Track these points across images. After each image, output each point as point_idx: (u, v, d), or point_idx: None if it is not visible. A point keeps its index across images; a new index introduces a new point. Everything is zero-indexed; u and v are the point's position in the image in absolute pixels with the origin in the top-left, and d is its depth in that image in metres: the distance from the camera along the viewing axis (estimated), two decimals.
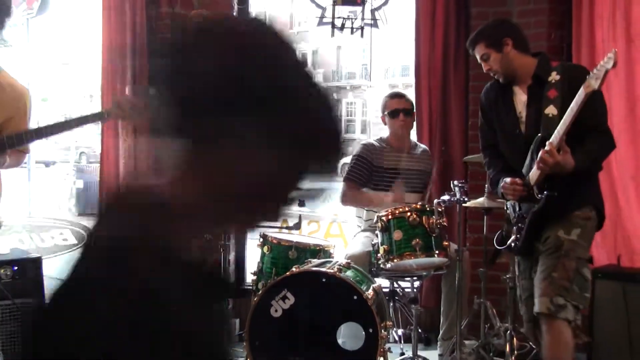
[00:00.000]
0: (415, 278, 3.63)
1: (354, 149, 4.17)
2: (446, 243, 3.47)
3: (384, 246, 3.50)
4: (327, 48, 28.85)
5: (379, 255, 3.54)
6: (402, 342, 4.09)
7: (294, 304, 3.18)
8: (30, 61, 9.05)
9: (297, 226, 3.74)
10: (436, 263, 3.52)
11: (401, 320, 4.31)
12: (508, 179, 3.01)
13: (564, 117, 2.77)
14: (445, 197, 3.55)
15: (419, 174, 4.14)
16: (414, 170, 4.11)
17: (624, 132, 3.83)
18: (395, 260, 3.46)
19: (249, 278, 3.96)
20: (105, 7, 4.20)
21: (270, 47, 0.91)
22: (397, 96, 4.26)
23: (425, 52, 4.45)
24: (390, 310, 4.01)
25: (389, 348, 3.41)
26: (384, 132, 4.23)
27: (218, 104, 0.87)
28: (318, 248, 3.72)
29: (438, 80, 4.44)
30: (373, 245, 3.66)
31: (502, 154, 3.19)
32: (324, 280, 3.23)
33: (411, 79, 4.85)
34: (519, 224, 3.04)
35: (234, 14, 4.47)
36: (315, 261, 3.53)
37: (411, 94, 4.49)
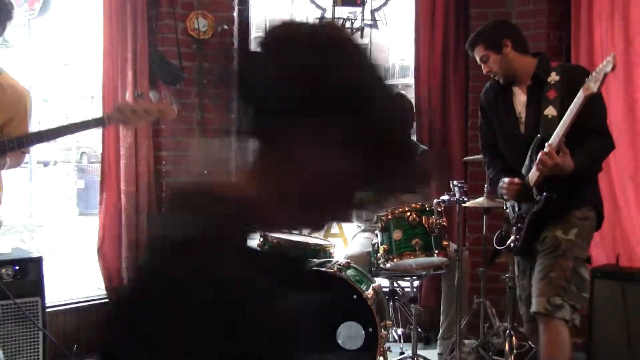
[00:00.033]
0: (414, 278, 3.65)
1: None
2: (446, 243, 3.48)
3: (383, 246, 3.51)
4: None
5: (378, 255, 3.55)
6: (402, 341, 4.11)
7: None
8: (32, 62, 9.08)
9: None
10: (436, 263, 3.53)
11: (401, 320, 4.32)
12: (506, 179, 3.02)
13: (563, 119, 2.77)
14: (445, 197, 3.57)
15: None
16: None
17: (623, 132, 3.85)
18: (395, 260, 3.47)
19: None
20: (106, 8, 4.20)
21: (345, 50, 0.92)
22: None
23: (425, 53, 4.46)
24: (390, 309, 4.03)
25: (389, 347, 3.43)
26: None
27: (292, 105, 0.88)
28: (318, 248, 3.73)
29: (438, 80, 4.45)
30: (373, 245, 3.68)
31: (501, 154, 3.20)
32: (324, 279, 3.24)
33: (411, 79, 4.86)
34: (518, 224, 3.05)
35: (234, 15, 4.49)
36: (315, 261, 3.54)
37: (411, 94, 4.51)
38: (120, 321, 0.86)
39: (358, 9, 4.29)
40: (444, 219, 3.49)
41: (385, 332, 3.32)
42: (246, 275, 0.86)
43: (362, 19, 4.28)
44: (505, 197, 3.09)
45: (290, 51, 0.91)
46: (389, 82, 0.95)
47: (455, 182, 3.59)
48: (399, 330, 4.21)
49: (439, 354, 3.96)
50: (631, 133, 3.90)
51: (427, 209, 3.49)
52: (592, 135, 2.90)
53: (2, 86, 2.97)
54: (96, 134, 5.05)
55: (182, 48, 4.31)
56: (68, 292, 4.84)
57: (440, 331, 3.99)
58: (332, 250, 3.81)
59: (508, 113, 3.11)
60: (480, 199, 3.64)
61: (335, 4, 4.27)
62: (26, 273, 3.52)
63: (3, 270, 3.40)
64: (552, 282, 2.84)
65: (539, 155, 2.81)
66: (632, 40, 3.87)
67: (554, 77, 2.96)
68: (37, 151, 11.84)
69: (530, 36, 3.48)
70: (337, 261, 3.55)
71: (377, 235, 3.62)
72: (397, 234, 3.46)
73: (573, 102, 2.74)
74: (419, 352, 3.70)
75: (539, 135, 2.91)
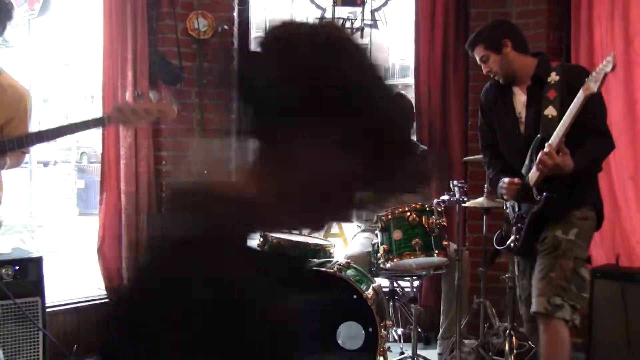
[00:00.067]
0: (414, 277, 3.65)
1: None
2: (446, 243, 3.48)
3: (383, 246, 3.51)
4: None
5: (378, 255, 3.55)
6: (402, 341, 4.11)
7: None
8: (32, 62, 9.08)
9: None
10: (436, 263, 3.53)
11: (401, 320, 4.32)
12: (506, 179, 3.02)
13: (563, 119, 2.77)
14: (445, 197, 3.57)
15: None
16: None
17: (623, 132, 3.85)
18: (395, 260, 3.47)
19: None
20: (106, 8, 4.20)
21: (345, 50, 0.92)
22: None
23: (425, 53, 4.46)
24: (390, 309, 4.03)
25: (389, 347, 3.43)
26: None
27: (292, 105, 0.88)
28: (318, 248, 3.73)
29: (437, 80, 4.45)
30: (373, 245, 3.68)
31: (501, 154, 3.20)
32: (324, 279, 3.24)
33: (411, 79, 4.87)
34: (518, 224, 3.05)
35: (234, 15, 4.49)
36: (316, 261, 3.54)
37: (411, 94, 4.51)
38: (121, 321, 0.86)
39: (358, 9, 4.29)
40: (444, 219, 3.49)
41: (385, 332, 3.32)
42: (246, 275, 0.86)
43: (362, 19, 4.28)
44: (505, 197, 3.09)
45: (290, 51, 0.91)
46: (389, 82, 0.95)
47: (455, 182, 3.59)
48: (399, 330, 4.21)
49: (439, 354, 3.96)
50: (631, 133, 3.90)
51: (427, 209, 3.49)
52: (592, 135, 2.90)
53: (2, 86, 2.97)
54: (96, 134, 5.06)
55: (182, 48, 4.32)
56: (68, 292, 4.85)
57: (440, 331, 4.00)
58: (332, 250, 3.81)
59: (508, 113, 3.11)
60: (480, 199, 3.64)
61: (335, 4, 4.27)
62: (26, 273, 3.52)
63: (3, 270, 3.40)
64: (552, 282, 2.84)
65: (539, 155, 2.81)
66: (632, 40, 3.87)
67: (554, 77, 2.96)
68: (37, 151, 11.84)
69: (530, 36, 3.48)
70: (337, 261, 3.55)
71: (377, 235, 3.62)
72: (397, 234, 3.46)
73: (573, 102, 2.74)
74: (419, 352, 3.70)
75: (539, 135, 2.91)
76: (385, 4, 4.49)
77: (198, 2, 4.36)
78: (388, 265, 3.50)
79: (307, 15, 4.67)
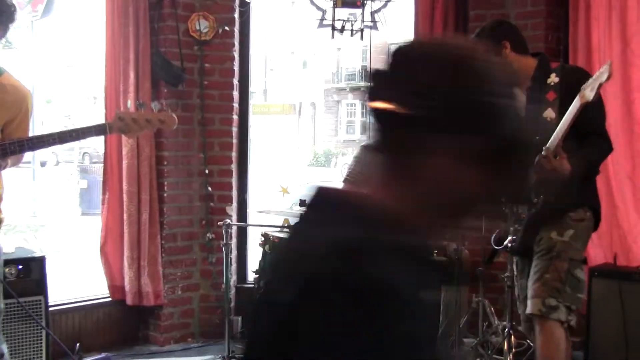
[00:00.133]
0: None
1: (355, 150, 4.20)
2: (445, 242, 3.50)
3: None
4: (327, 50, 28.90)
5: None
6: None
7: None
8: (35, 63, 9.12)
9: None
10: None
11: None
12: None
13: (560, 123, 2.76)
14: None
15: None
16: None
17: (620, 133, 3.86)
18: None
19: (251, 276, 3.99)
20: (108, 10, 4.23)
21: (478, 67, 0.96)
22: None
23: None
24: None
25: None
26: None
27: (427, 118, 0.92)
28: None
29: None
30: None
31: None
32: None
33: None
34: (516, 225, 3.06)
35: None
36: None
37: None
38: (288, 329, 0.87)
39: (358, 11, 4.32)
40: None
41: None
42: (408, 279, 0.88)
43: (362, 21, 4.31)
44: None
45: (421, 67, 0.95)
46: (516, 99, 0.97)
47: None
48: None
49: None
50: (628, 133, 3.91)
51: None
52: (590, 138, 2.90)
53: (4, 86, 2.98)
54: None
55: (183, 49, 4.35)
56: (71, 291, 4.88)
57: (440, 330, 4.02)
58: None
59: None
60: None
61: (335, 5, 4.30)
62: (29, 272, 3.55)
63: (7, 270, 3.41)
64: (547, 283, 2.83)
65: (536, 158, 2.81)
66: (629, 42, 3.89)
67: (553, 79, 2.95)
68: (39, 151, 11.87)
69: (528, 38, 3.48)
70: None
71: None
72: None
73: (569, 109, 2.72)
74: None
75: (536, 138, 2.91)
76: (385, 5, 4.51)
77: (199, 3, 4.40)
78: None
79: (307, 15, 4.69)
